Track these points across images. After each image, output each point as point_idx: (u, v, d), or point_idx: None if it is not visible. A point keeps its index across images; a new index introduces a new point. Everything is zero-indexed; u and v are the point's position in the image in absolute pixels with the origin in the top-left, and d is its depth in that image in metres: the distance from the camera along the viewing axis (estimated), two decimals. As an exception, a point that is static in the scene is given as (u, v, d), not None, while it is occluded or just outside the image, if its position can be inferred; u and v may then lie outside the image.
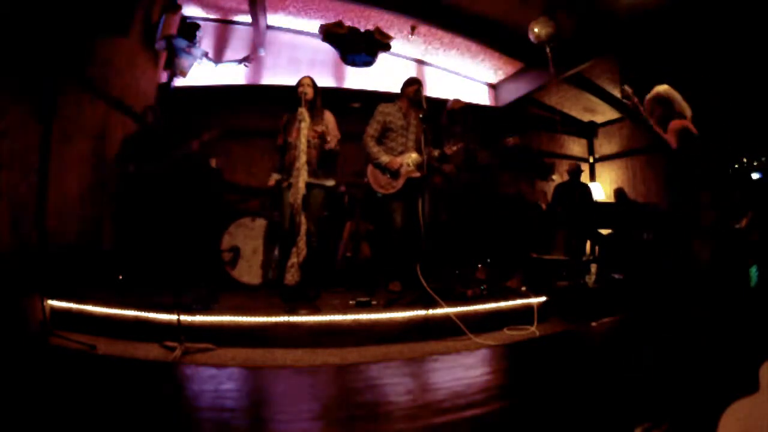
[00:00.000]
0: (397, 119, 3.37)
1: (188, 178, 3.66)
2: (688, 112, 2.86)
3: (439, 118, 3.86)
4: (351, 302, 2.88)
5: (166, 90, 4.70)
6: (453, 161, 3.69)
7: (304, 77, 3.12)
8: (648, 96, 2.96)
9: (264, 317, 2.42)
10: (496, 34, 5.22)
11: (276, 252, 3.45)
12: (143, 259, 3.29)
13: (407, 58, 5.95)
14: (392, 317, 2.54)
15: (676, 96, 2.88)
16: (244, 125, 4.88)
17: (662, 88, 2.93)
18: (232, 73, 5.08)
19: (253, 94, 5.16)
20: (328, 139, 3.03)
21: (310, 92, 3.04)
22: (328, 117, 3.18)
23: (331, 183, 3.16)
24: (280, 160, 3.11)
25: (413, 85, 3.39)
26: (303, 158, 2.81)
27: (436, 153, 3.36)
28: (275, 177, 3.14)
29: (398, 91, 3.51)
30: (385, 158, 3.26)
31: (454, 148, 3.44)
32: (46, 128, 2.54)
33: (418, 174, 3.24)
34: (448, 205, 3.85)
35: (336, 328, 2.45)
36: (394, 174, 3.27)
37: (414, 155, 3.28)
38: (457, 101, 3.95)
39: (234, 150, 4.91)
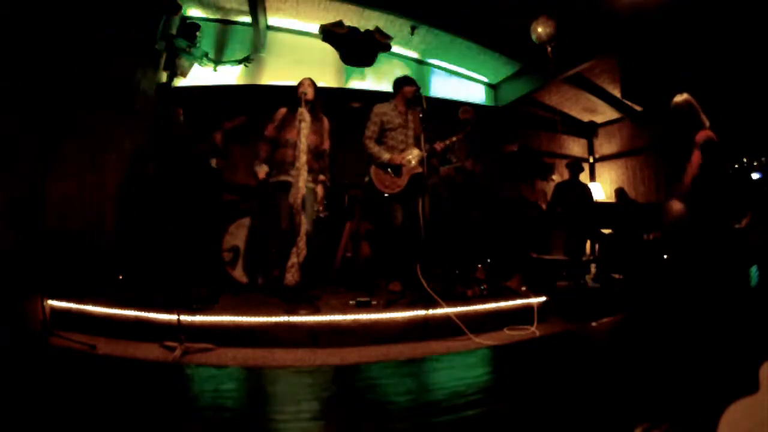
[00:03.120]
0: (394, 117, 3.37)
1: (188, 178, 3.65)
2: (707, 121, 2.83)
3: (443, 120, 3.86)
4: (351, 302, 2.88)
5: (166, 90, 4.70)
6: (457, 153, 3.70)
7: (305, 78, 3.12)
8: (672, 105, 2.92)
9: (264, 317, 2.42)
10: (496, 34, 5.21)
11: (272, 253, 3.45)
12: (143, 259, 3.29)
13: (407, 58, 5.95)
14: (392, 317, 2.54)
15: (697, 106, 2.84)
16: (244, 125, 4.88)
17: (683, 98, 2.90)
18: (232, 73, 5.08)
19: (253, 94, 5.16)
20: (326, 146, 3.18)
21: (310, 93, 3.04)
22: (326, 125, 3.23)
23: (320, 189, 3.20)
24: (272, 154, 3.10)
25: (411, 86, 3.35)
26: (303, 158, 2.81)
27: (442, 144, 3.36)
28: (264, 169, 3.09)
29: (393, 89, 3.49)
30: (386, 155, 3.26)
31: (454, 138, 3.49)
32: (46, 128, 2.54)
33: (420, 169, 3.24)
34: (448, 204, 3.85)
35: (336, 328, 2.45)
36: (397, 171, 3.27)
37: (415, 151, 3.29)
38: (464, 111, 4.00)
39: (234, 150, 4.90)
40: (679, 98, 2.92)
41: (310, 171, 3.00)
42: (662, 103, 3.02)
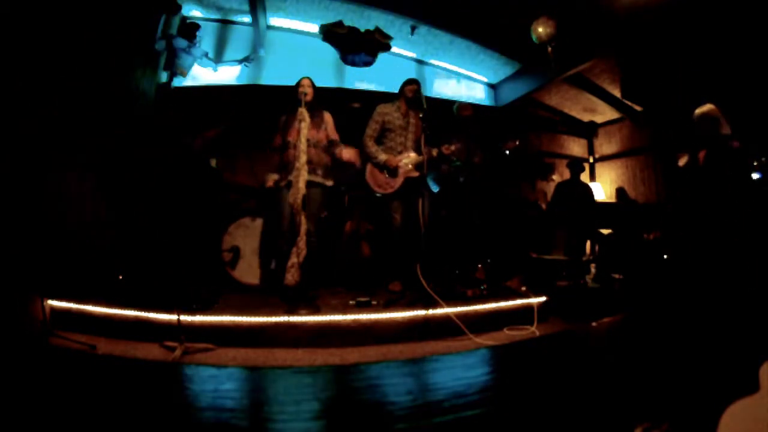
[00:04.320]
0: (395, 119, 3.38)
1: (188, 178, 3.65)
2: (729, 129, 2.92)
3: (443, 120, 3.85)
4: (351, 302, 2.88)
5: (166, 90, 4.70)
6: (458, 154, 3.70)
7: (304, 78, 3.13)
8: (697, 113, 3.00)
9: (264, 317, 2.42)
10: (496, 34, 5.21)
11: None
12: (143, 259, 3.29)
13: (407, 58, 5.95)
14: (392, 317, 2.54)
15: (720, 115, 2.94)
16: (244, 125, 4.88)
17: (710, 107, 2.96)
18: (232, 73, 5.08)
19: (253, 94, 5.16)
20: (336, 146, 3.11)
21: (309, 92, 3.05)
22: (327, 118, 3.20)
23: (330, 183, 3.16)
24: (280, 159, 3.11)
25: (412, 84, 3.38)
26: (303, 158, 2.81)
27: (434, 152, 3.36)
28: (273, 177, 3.15)
29: (397, 91, 3.51)
30: (383, 156, 3.27)
31: (452, 147, 3.44)
32: (46, 128, 2.54)
33: (417, 174, 3.24)
34: (448, 204, 3.85)
35: (336, 328, 2.45)
36: (392, 172, 3.27)
37: (413, 155, 3.29)
38: (464, 107, 3.96)
39: (234, 150, 4.90)
40: (702, 109, 2.97)
41: (319, 167, 3.02)
42: (662, 103, 3.04)
